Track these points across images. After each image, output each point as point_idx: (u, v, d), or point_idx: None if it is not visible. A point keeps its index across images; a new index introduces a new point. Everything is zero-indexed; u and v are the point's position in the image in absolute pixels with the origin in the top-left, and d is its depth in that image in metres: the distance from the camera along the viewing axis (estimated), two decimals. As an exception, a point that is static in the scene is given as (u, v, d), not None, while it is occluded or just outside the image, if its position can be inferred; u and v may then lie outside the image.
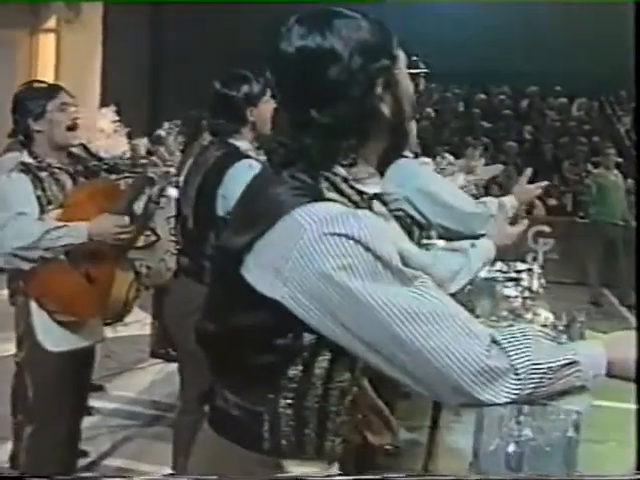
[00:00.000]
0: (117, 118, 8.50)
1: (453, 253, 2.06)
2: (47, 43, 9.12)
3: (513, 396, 1.17)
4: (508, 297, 3.30)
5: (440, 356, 1.15)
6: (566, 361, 1.19)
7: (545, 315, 3.63)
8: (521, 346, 1.18)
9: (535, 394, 1.19)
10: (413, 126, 1.45)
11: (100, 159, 3.95)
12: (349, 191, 1.28)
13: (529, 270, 3.62)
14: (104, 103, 8.85)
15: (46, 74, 9.21)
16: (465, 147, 11.66)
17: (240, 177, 2.47)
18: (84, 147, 4.51)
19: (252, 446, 1.29)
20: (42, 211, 2.63)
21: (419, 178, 2.94)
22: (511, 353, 1.17)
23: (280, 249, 1.19)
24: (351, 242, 1.15)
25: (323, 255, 1.15)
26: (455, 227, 3.15)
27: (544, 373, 1.17)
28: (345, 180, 1.28)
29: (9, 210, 2.57)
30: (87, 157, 4.34)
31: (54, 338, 2.66)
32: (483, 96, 13.14)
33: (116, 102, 8.55)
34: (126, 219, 2.67)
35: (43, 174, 2.70)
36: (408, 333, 1.15)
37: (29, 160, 2.72)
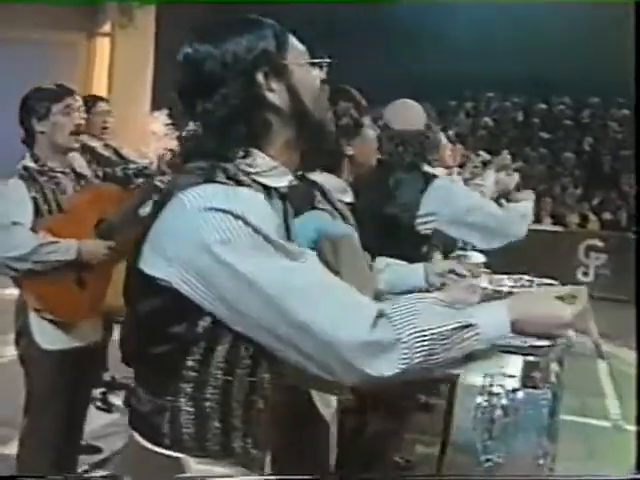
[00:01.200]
0: (169, 121, 8.61)
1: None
2: (103, 47, 9.32)
3: (402, 366, 1.16)
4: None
5: (324, 330, 1.16)
6: (458, 324, 1.19)
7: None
8: (407, 314, 1.18)
9: (429, 362, 1.18)
10: (325, 119, 1.42)
11: (128, 163, 4.01)
12: (249, 183, 1.30)
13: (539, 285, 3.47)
14: (157, 106, 8.97)
15: (102, 77, 9.41)
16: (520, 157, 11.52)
17: None
18: (115, 151, 4.58)
19: (155, 440, 1.28)
20: (40, 216, 2.66)
21: (454, 199, 2.96)
22: (396, 323, 1.17)
23: (165, 229, 1.23)
24: (230, 217, 1.18)
25: (203, 230, 1.19)
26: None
27: (434, 339, 1.17)
28: (247, 174, 1.31)
29: (4, 218, 2.60)
30: (117, 160, 4.41)
31: (49, 337, 2.68)
32: (543, 106, 12.87)
33: (169, 106, 8.66)
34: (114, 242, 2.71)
35: (43, 178, 2.72)
36: (289, 306, 1.16)
37: (30, 164, 2.74)
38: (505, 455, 1.75)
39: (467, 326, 1.19)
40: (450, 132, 11.35)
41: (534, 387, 1.82)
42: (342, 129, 2.14)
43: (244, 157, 1.31)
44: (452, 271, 2.37)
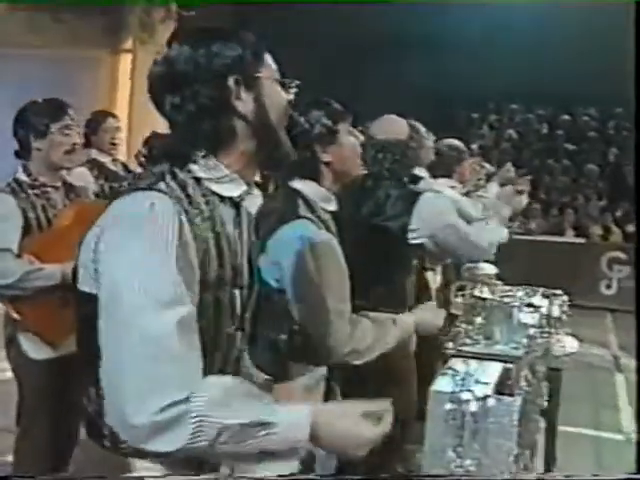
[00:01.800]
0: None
1: (374, 324, 2.16)
2: (126, 63, 9.46)
3: (180, 446, 1.15)
4: (525, 324, 3.14)
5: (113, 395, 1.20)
6: (254, 421, 1.17)
7: (571, 344, 3.46)
8: (208, 402, 1.16)
9: (217, 449, 1.17)
10: (286, 139, 1.45)
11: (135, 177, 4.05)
12: (195, 192, 1.33)
13: (546, 297, 3.45)
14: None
15: (124, 93, 9.54)
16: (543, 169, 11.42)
17: None
18: (124, 166, 4.64)
19: (97, 441, 1.31)
20: (29, 230, 2.69)
21: (441, 215, 3.01)
22: (193, 408, 1.15)
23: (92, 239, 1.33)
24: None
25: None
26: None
27: (222, 429, 1.16)
28: (198, 180, 1.35)
29: None
30: (125, 175, 4.46)
31: (36, 347, 2.72)
32: (568, 117, 12.76)
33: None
34: None
35: (34, 192, 2.75)
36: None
37: (23, 178, 2.78)
38: (476, 462, 1.74)
39: (263, 424, 1.18)
40: (474, 146, 11.32)
41: (509, 394, 1.81)
42: (316, 136, 2.18)
43: (203, 160, 1.35)
44: None
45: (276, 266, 2.10)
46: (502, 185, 4.84)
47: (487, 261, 5.17)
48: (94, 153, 4.41)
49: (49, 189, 2.80)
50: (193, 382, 1.18)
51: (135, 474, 1.28)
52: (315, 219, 2.15)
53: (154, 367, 1.16)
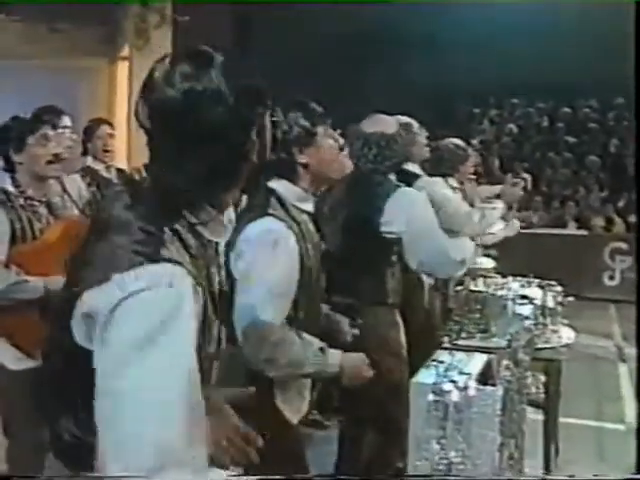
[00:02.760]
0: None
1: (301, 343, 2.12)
2: (123, 71, 9.47)
3: None
4: (520, 315, 3.15)
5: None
6: None
7: (567, 334, 3.46)
8: None
9: None
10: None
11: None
12: (191, 241, 1.28)
13: (541, 288, 3.45)
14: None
15: (123, 100, 9.56)
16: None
17: None
18: (118, 171, 4.64)
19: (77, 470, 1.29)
20: (15, 242, 2.71)
21: (412, 215, 2.99)
22: None
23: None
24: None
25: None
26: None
27: None
28: (191, 225, 1.28)
29: None
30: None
31: (13, 357, 2.72)
32: (568, 110, 12.73)
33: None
34: None
35: (21, 204, 2.77)
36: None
37: (10, 189, 2.80)
38: (461, 454, 1.74)
39: None
40: (474, 141, 11.30)
41: (492, 384, 1.82)
42: (293, 138, 2.19)
43: (204, 207, 1.29)
44: None
45: (239, 259, 2.13)
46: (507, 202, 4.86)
47: (486, 255, 5.20)
48: (89, 161, 4.43)
49: (35, 202, 2.81)
50: None
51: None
52: (285, 217, 2.17)
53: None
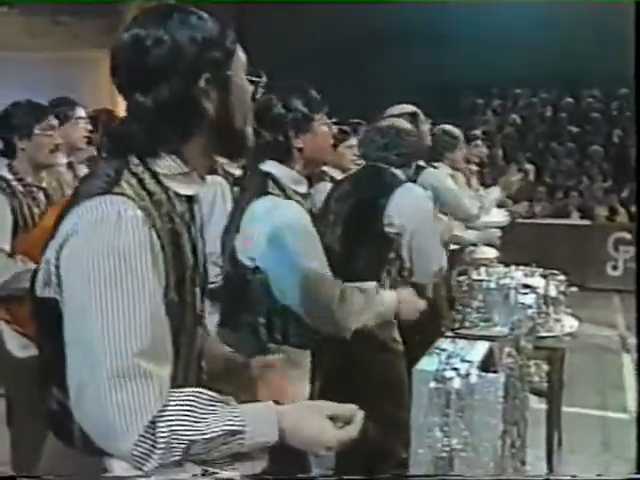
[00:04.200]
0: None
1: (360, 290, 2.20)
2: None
3: (159, 463, 1.17)
4: (523, 304, 3.14)
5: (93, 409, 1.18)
6: (224, 431, 1.18)
7: (570, 323, 3.46)
8: (174, 420, 1.16)
9: (188, 458, 1.18)
10: (248, 132, 1.43)
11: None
12: (153, 187, 1.30)
13: (543, 277, 3.44)
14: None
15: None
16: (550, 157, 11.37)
17: None
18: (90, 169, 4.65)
19: (66, 441, 1.30)
20: (17, 229, 2.72)
21: (409, 213, 3.02)
22: (160, 431, 1.16)
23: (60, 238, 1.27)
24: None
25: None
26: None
27: (197, 443, 1.17)
28: (155, 175, 1.31)
29: None
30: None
31: (20, 344, 2.74)
32: (571, 100, 12.69)
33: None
34: None
35: (21, 191, 2.79)
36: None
37: (8, 176, 2.81)
38: (463, 440, 1.74)
39: (234, 433, 1.19)
40: (477, 131, 11.32)
41: (494, 372, 1.81)
42: (291, 122, 2.22)
43: (166, 155, 1.32)
44: None
45: (249, 241, 2.16)
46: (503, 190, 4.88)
47: (489, 245, 5.20)
48: (94, 150, 4.42)
49: (34, 189, 2.82)
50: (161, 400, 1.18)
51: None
52: (283, 197, 2.19)
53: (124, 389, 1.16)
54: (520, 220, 7.04)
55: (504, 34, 11.44)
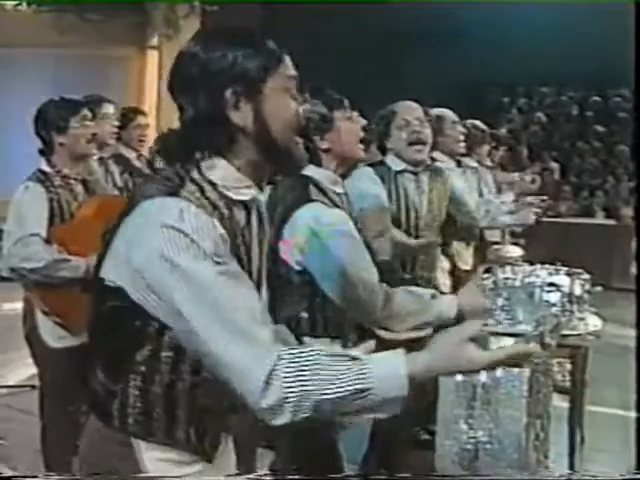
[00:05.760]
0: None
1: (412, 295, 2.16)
2: (153, 60, 9.59)
3: (289, 418, 1.22)
4: (547, 302, 3.17)
5: (223, 363, 1.25)
6: (350, 391, 1.20)
7: (594, 322, 3.47)
8: (298, 374, 1.21)
9: (320, 415, 1.22)
10: (295, 148, 1.46)
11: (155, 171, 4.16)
12: (212, 194, 1.36)
13: (568, 275, 3.46)
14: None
15: (152, 89, 9.67)
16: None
17: None
18: (149, 163, 4.73)
19: (105, 420, 1.38)
20: (53, 220, 2.80)
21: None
22: (286, 383, 1.21)
23: (129, 237, 1.32)
24: (181, 235, 1.28)
25: (161, 243, 1.28)
26: None
27: (324, 401, 1.20)
28: (212, 184, 1.37)
29: (23, 227, 2.75)
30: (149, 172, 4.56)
31: (55, 335, 2.81)
32: (598, 99, 12.61)
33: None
34: None
35: (58, 183, 2.87)
36: (190, 311, 1.26)
37: (47, 169, 2.90)
38: (488, 433, 1.79)
39: (361, 391, 1.20)
40: (503, 130, 11.24)
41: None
42: (312, 126, 2.25)
43: (208, 166, 1.38)
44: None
45: (296, 249, 2.18)
46: (519, 195, 4.83)
47: (514, 243, 5.21)
48: (121, 148, 4.51)
49: (72, 181, 2.90)
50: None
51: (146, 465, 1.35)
52: (327, 201, 2.22)
53: (239, 341, 1.25)
54: (545, 219, 7.04)
55: (531, 32, 11.39)
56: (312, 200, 2.21)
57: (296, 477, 1.88)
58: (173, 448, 1.40)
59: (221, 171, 1.38)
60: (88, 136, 2.92)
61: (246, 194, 1.42)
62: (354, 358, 1.24)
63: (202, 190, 1.35)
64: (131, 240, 1.31)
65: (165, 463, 1.39)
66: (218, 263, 1.28)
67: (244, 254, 1.42)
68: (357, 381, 1.21)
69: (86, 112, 2.95)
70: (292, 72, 1.43)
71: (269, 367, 1.21)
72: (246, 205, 1.44)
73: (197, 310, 1.25)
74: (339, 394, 1.20)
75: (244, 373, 1.22)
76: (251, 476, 1.55)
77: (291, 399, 1.20)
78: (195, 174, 1.37)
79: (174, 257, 1.26)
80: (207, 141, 1.38)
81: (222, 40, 1.39)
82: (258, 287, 1.50)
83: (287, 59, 1.43)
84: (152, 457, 1.37)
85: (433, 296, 2.18)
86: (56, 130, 2.88)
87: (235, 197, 1.40)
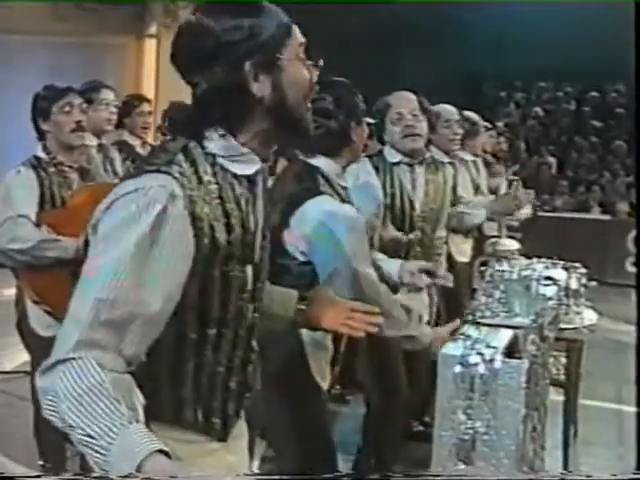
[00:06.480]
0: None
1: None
2: (151, 48, 9.56)
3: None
4: (544, 295, 3.18)
5: None
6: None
7: (589, 316, 3.49)
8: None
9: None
10: (306, 117, 1.46)
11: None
12: (208, 168, 1.36)
13: (565, 269, 3.47)
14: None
15: (150, 77, 9.64)
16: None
17: None
18: (152, 148, 4.71)
19: None
20: (44, 207, 2.78)
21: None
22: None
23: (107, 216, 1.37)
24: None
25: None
26: None
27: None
28: (213, 156, 1.36)
29: (11, 208, 2.73)
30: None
31: (44, 324, 2.78)
32: (595, 94, 12.62)
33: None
34: None
35: (52, 170, 2.85)
36: None
37: (42, 155, 2.89)
38: (486, 424, 1.79)
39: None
40: (499, 123, 11.21)
41: (518, 358, 1.86)
42: (356, 117, 2.29)
43: (219, 138, 1.36)
44: (426, 271, 2.45)
45: (302, 240, 2.18)
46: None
47: (511, 237, 5.21)
48: (125, 135, 4.49)
49: (66, 168, 2.89)
50: None
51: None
52: (334, 194, 2.23)
53: None
54: (541, 213, 7.06)
55: (529, 27, 11.39)
56: (321, 192, 2.21)
57: (292, 477, 1.89)
58: (180, 427, 1.38)
59: (224, 143, 1.38)
60: (72, 124, 2.86)
61: (249, 168, 1.41)
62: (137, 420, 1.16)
63: (195, 166, 1.34)
64: (96, 217, 1.38)
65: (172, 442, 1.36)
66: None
67: (241, 231, 1.39)
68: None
69: (71, 99, 2.90)
70: (302, 39, 1.42)
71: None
72: (250, 179, 1.43)
73: None
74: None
75: None
76: (251, 476, 1.55)
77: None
78: (193, 148, 1.36)
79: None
80: (222, 114, 1.36)
81: (234, 11, 1.35)
82: (260, 261, 1.49)
83: (295, 27, 1.42)
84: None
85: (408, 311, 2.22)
86: (42, 117, 2.87)
87: (238, 172, 1.39)
